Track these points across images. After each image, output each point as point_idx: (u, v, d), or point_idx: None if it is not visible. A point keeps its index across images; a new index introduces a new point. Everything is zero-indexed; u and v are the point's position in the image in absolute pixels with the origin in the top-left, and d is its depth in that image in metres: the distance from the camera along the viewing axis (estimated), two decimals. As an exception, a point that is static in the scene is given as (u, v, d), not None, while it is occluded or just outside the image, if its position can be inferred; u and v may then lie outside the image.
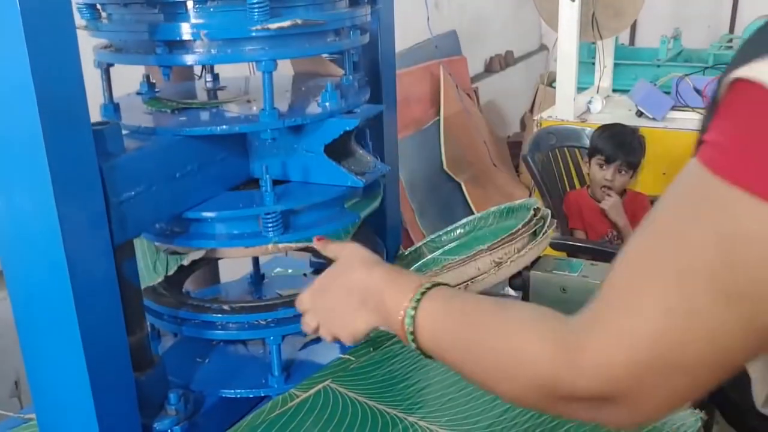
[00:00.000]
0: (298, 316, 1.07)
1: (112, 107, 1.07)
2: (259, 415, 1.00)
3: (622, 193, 2.57)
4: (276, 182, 1.05)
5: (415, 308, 0.74)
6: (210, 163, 1.05)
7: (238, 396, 1.07)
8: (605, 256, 2.27)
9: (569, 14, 2.95)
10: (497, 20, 4.95)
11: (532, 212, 1.37)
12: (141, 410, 0.93)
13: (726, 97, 0.53)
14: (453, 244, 1.51)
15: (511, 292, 1.45)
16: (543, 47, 5.62)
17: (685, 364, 0.55)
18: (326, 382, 1.06)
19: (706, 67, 3.36)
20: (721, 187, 0.52)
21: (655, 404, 0.58)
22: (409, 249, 1.51)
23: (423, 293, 0.75)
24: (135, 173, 0.91)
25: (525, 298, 1.31)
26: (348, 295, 0.84)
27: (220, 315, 1.07)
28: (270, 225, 1.02)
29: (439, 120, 3.76)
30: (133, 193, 0.90)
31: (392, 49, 1.35)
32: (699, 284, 0.54)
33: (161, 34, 0.98)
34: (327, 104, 1.07)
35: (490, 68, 4.89)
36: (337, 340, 0.87)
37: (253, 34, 0.97)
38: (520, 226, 1.32)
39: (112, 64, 1.06)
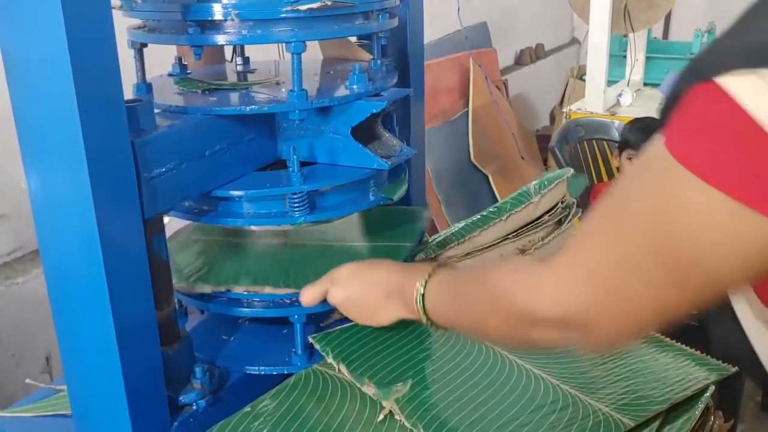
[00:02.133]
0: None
1: (145, 87, 1.09)
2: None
3: (651, 186, 2.55)
4: (303, 164, 1.06)
5: (424, 287, 0.92)
6: (239, 143, 1.06)
7: (262, 373, 1.09)
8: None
9: (601, 5, 2.92)
10: (528, 13, 4.92)
11: (564, 179, 1.35)
12: (167, 383, 0.95)
13: (698, 90, 0.58)
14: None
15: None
16: (574, 41, 5.58)
17: (625, 301, 0.65)
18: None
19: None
20: (665, 156, 0.59)
21: (609, 331, 0.69)
22: (434, 237, 1.52)
23: (430, 275, 0.92)
24: (166, 150, 0.93)
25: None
26: (374, 289, 1.00)
27: (246, 292, 1.09)
28: (296, 205, 1.03)
29: (467, 111, 3.75)
30: (163, 169, 0.92)
31: (421, 35, 1.35)
32: (636, 238, 0.63)
33: (193, 14, 1.00)
34: (354, 87, 1.08)
35: (520, 61, 4.87)
36: None
37: (283, 15, 0.98)
38: (551, 186, 1.30)
39: (145, 45, 1.08)
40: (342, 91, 1.09)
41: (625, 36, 3.30)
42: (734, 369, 1.00)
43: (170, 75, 1.16)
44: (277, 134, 1.14)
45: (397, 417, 0.93)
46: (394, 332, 1.08)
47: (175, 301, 1.03)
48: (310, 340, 1.09)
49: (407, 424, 0.91)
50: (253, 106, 1.03)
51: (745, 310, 0.85)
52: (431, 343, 1.08)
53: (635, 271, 0.64)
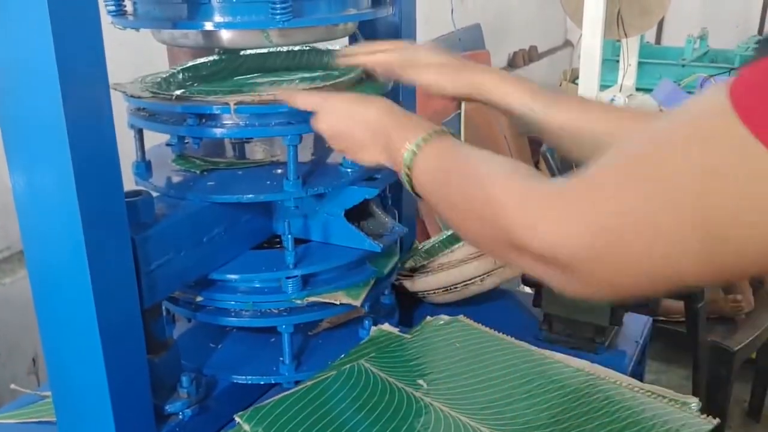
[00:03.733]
0: (311, 306, 1.09)
1: (144, 165, 1.12)
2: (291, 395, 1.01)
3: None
4: (297, 240, 1.10)
5: (416, 149, 0.82)
6: (235, 225, 1.09)
7: (249, 382, 1.09)
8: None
9: (594, 11, 2.92)
10: (522, 15, 4.92)
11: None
12: (154, 392, 0.95)
13: None
14: None
15: (525, 288, 1.45)
16: (568, 43, 5.58)
17: (630, 262, 0.58)
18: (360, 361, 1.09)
19: (732, 68, 3.32)
20: (735, 124, 0.50)
21: (596, 284, 0.63)
22: (423, 243, 1.52)
23: (427, 138, 0.83)
24: (165, 242, 0.95)
25: (538, 294, 1.31)
26: (361, 127, 0.92)
27: (234, 302, 1.08)
28: (290, 285, 1.07)
29: (459, 113, 3.75)
30: (162, 260, 0.94)
31: (413, 38, 1.35)
32: (673, 202, 0.55)
33: (192, 108, 1.03)
34: (349, 170, 1.11)
35: (513, 63, 4.86)
36: None
37: (280, 109, 1.02)
38: None
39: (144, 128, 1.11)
40: (336, 176, 1.11)
41: (618, 41, 3.31)
42: (716, 421, 0.97)
43: (168, 144, 1.16)
44: (272, 213, 1.17)
45: None
46: (326, 402, 1.02)
47: (163, 309, 1.03)
48: (236, 419, 0.98)
49: None
50: (250, 195, 1.05)
51: None
52: (369, 413, 1.01)
53: (655, 232, 0.56)
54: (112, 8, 1.04)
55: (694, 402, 1.01)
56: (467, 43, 3.93)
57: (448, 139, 0.84)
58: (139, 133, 1.11)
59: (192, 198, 1.05)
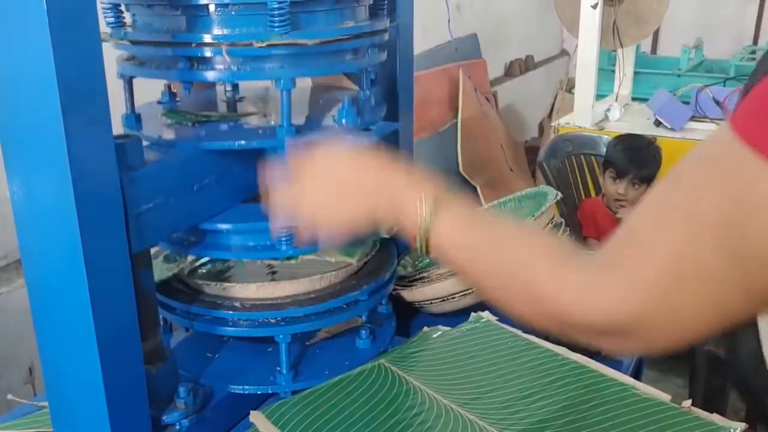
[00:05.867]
0: (308, 315, 1.09)
1: (134, 117, 1.10)
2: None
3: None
4: None
5: (432, 212, 0.75)
6: (227, 176, 1.07)
7: (246, 392, 1.09)
8: (618, 265, 2.25)
9: (590, 21, 2.94)
10: (519, 24, 4.95)
11: (551, 196, 1.37)
12: (151, 403, 0.94)
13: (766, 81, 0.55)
14: None
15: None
16: (564, 52, 5.61)
17: (682, 304, 0.60)
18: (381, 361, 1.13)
19: (728, 78, 3.34)
20: (739, 147, 0.54)
21: (656, 340, 0.64)
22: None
23: (437, 200, 0.76)
24: (154, 186, 0.94)
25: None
26: (352, 186, 0.82)
27: (231, 312, 1.08)
28: (283, 238, 1.04)
29: (456, 123, 3.75)
30: (151, 204, 0.92)
31: (410, 49, 1.36)
32: (706, 238, 0.57)
33: (183, 50, 1.00)
34: (343, 121, 1.09)
35: (510, 72, 4.89)
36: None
37: (273, 52, 0.99)
38: (543, 208, 1.32)
39: (134, 76, 1.09)
40: (331, 126, 1.09)
41: (614, 51, 3.32)
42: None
43: (159, 103, 1.15)
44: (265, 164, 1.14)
45: None
46: (347, 397, 1.07)
47: (161, 319, 1.03)
48: (252, 419, 1.03)
49: None
50: (242, 141, 1.03)
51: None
52: (397, 411, 1.05)
53: (699, 272, 0.58)
54: (112, 20, 1.04)
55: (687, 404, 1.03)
56: (464, 53, 3.95)
57: (455, 202, 0.77)
58: (129, 84, 1.09)
59: (182, 146, 1.02)
